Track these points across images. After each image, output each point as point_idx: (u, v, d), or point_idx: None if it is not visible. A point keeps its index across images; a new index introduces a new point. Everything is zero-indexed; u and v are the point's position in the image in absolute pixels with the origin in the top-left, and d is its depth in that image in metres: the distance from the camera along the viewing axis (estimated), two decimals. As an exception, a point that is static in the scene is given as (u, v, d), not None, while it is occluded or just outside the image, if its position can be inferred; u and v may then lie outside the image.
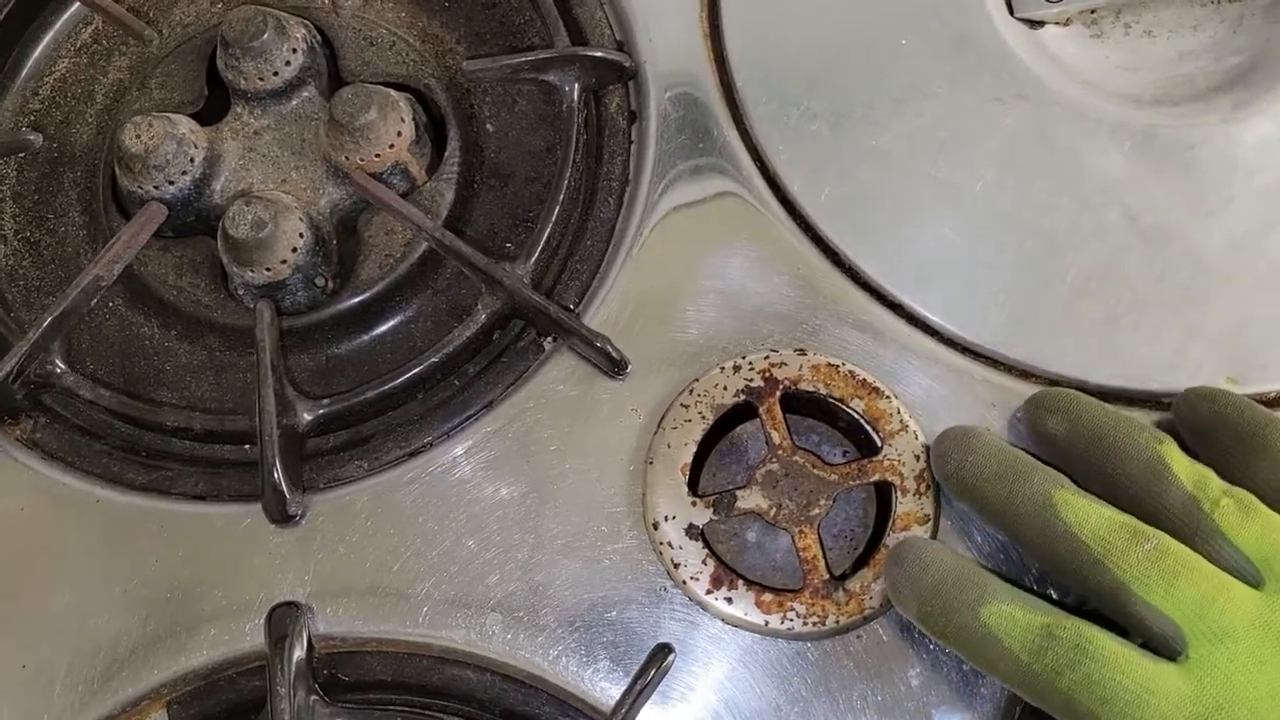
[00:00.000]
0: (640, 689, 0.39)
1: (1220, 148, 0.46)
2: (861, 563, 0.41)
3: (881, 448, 0.42)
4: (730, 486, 0.42)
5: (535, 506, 0.43)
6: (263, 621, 0.41)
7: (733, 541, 0.43)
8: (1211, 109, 0.47)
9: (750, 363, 0.42)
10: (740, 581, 0.40)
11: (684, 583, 0.40)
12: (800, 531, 0.41)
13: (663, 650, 0.40)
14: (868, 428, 0.42)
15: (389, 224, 0.48)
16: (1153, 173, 0.46)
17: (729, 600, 0.40)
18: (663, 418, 0.42)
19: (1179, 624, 0.32)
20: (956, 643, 0.35)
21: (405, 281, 0.48)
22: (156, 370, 0.48)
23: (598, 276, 0.46)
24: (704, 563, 0.41)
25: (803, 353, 0.43)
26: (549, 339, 0.45)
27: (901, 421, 0.42)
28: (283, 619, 0.41)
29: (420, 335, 0.48)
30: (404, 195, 0.48)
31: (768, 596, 0.40)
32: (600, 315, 0.45)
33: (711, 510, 0.41)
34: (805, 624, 0.40)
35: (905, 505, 0.41)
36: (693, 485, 0.42)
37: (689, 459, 0.42)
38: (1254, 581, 0.33)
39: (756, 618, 0.40)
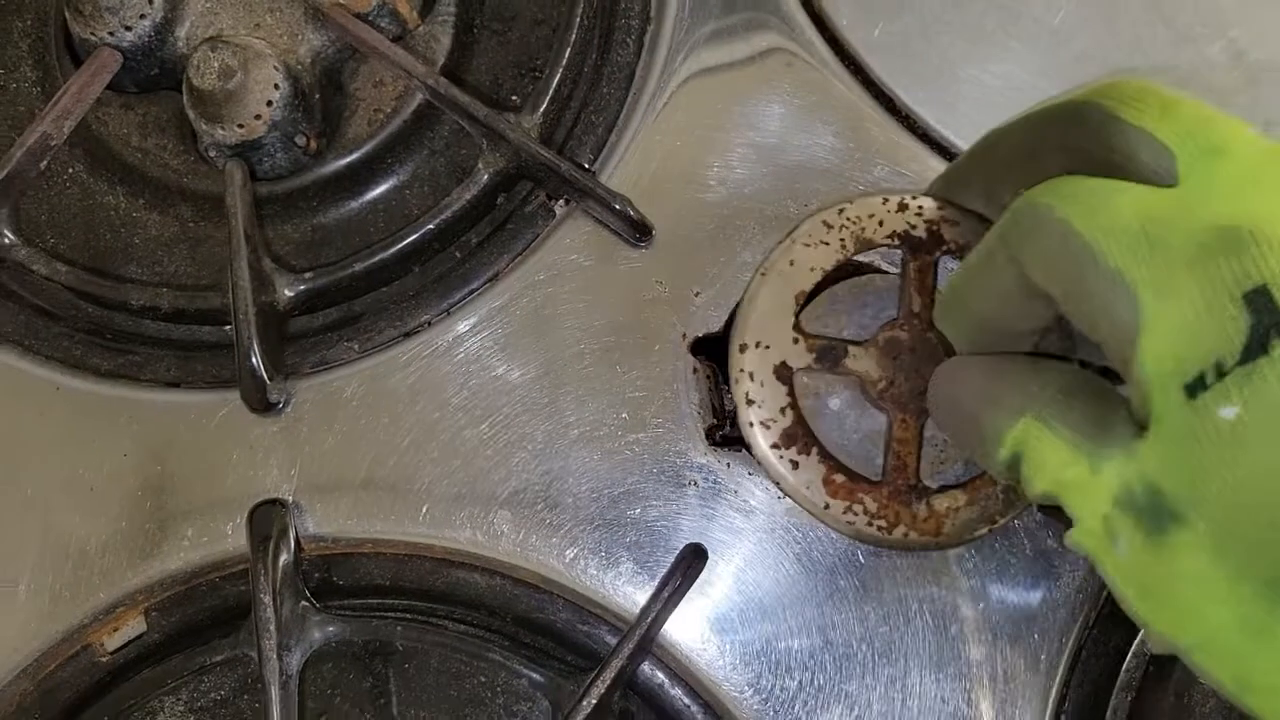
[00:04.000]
0: (668, 594, 0.35)
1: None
2: (957, 486, 0.35)
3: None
4: (845, 338, 0.36)
5: (548, 391, 0.38)
6: (243, 521, 0.37)
7: (810, 400, 0.36)
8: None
9: (920, 207, 0.35)
10: (816, 449, 0.34)
11: (750, 424, 0.34)
12: (903, 420, 0.35)
13: (693, 551, 0.35)
14: None
15: (378, 75, 0.43)
16: (1262, 2, 0.39)
17: (794, 465, 0.34)
18: (795, 230, 0.35)
19: (1172, 148, 0.26)
20: None
21: (398, 140, 0.42)
22: (124, 244, 0.43)
23: (615, 130, 0.40)
24: (782, 411, 0.34)
25: (984, 220, 0.36)
26: (560, 202, 0.40)
27: None
28: (265, 518, 0.36)
29: (415, 201, 0.42)
30: (394, 41, 0.42)
31: (840, 477, 0.34)
32: (619, 174, 0.39)
33: (814, 356, 0.35)
34: (870, 524, 0.34)
35: None
36: (799, 322, 0.35)
37: (809, 286, 0.35)
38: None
39: (818, 497, 0.34)
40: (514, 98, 0.42)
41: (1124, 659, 0.35)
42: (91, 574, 0.37)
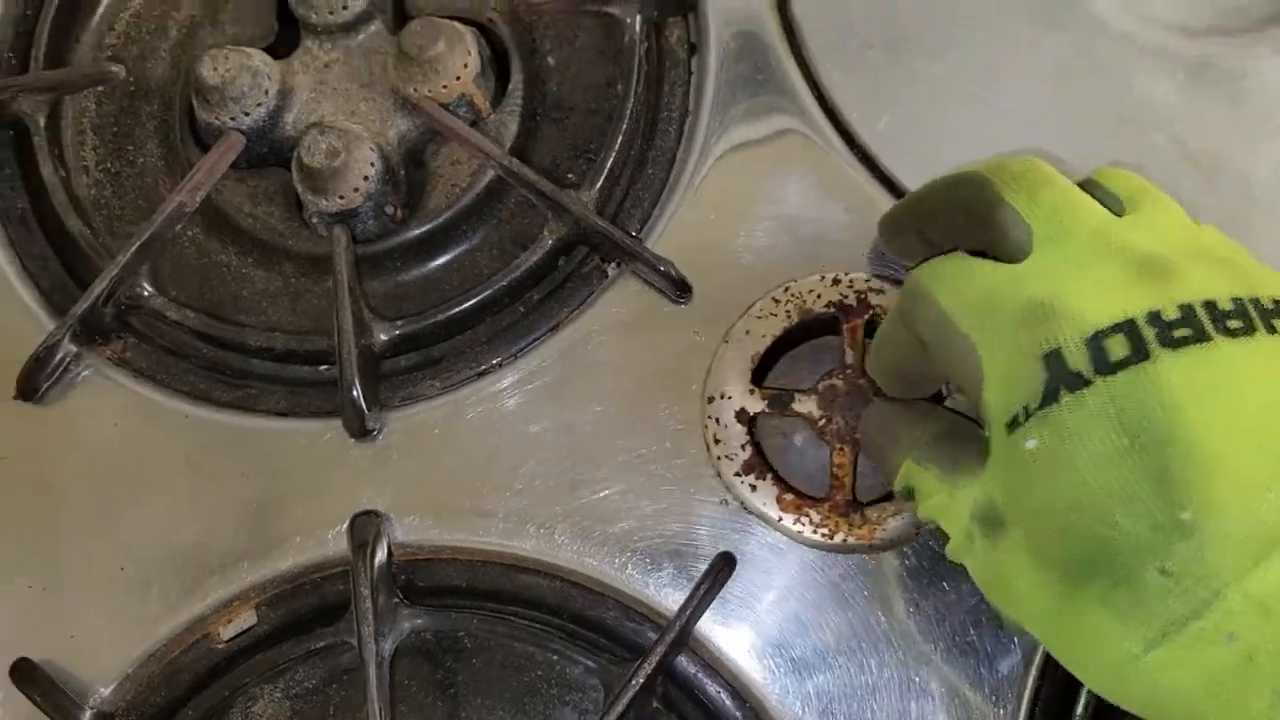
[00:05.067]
0: (701, 595, 0.41)
1: (1272, 78, 0.47)
2: (887, 499, 0.43)
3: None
4: (791, 388, 0.44)
5: (601, 424, 0.44)
6: (344, 529, 0.43)
7: (778, 439, 0.44)
8: (1264, 40, 0.47)
9: (850, 281, 0.44)
10: (770, 475, 0.43)
11: (718, 459, 0.43)
12: (840, 448, 0.43)
13: (723, 559, 0.42)
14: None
15: (455, 154, 0.50)
16: (1203, 101, 0.46)
17: (753, 488, 0.42)
18: (750, 306, 0.44)
19: (1032, 227, 0.33)
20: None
21: (471, 211, 0.49)
22: (234, 295, 0.50)
23: (658, 205, 0.47)
24: (742, 448, 0.43)
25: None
26: (612, 265, 0.47)
27: None
28: (364, 526, 0.43)
29: (484, 263, 0.49)
30: (470, 126, 0.50)
31: (790, 496, 0.42)
32: (662, 242, 0.46)
33: (766, 404, 0.43)
34: (815, 533, 0.42)
35: None
36: (757, 377, 0.44)
37: (762, 350, 0.44)
38: (1117, 212, 0.34)
39: (773, 511, 0.42)
40: (570, 175, 0.50)
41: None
42: (211, 574, 0.44)
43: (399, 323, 0.46)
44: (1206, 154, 0.45)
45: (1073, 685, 0.41)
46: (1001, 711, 0.41)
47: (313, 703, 0.43)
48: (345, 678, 0.43)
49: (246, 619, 0.44)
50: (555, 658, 0.43)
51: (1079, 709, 0.40)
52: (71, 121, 0.53)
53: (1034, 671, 0.41)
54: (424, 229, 0.49)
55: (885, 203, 0.46)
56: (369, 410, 0.44)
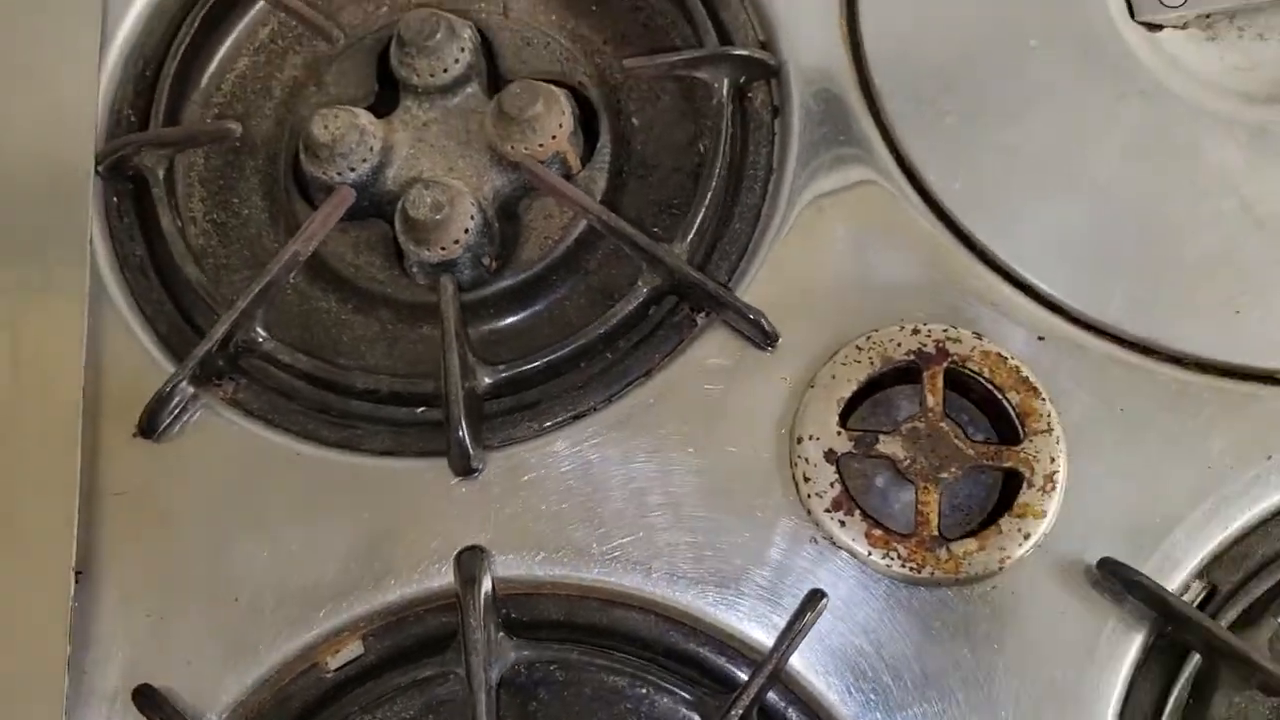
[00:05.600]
0: (795, 631, 0.43)
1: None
2: (970, 535, 0.44)
3: (1023, 440, 0.45)
4: (876, 429, 0.46)
5: (692, 465, 0.47)
6: (449, 564, 0.45)
7: (861, 480, 0.46)
8: (1320, 107, 0.50)
9: (929, 330, 0.46)
10: (858, 511, 0.44)
11: (808, 496, 0.45)
12: (925, 487, 0.44)
13: (816, 595, 0.44)
14: (1016, 420, 0.45)
15: (548, 209, 0.53)
16: (1267, 165, 0.49)
17: (842, 524, 0.44)
18: (835, 353, 0.46)
19: None
20: None
21: (562, 262, 0.52)
22: (334, 340, 0.53)
23: (745, 257, 0.50)
24: (831, 485, 0.45)
25: (979, 337, 0.46)
26: (702, 314, 0.49)
27: (1049, 423, 0.45)
28: (470, 560, 0.45)
29: (574, 312, 0.52)
30: (564, 182, 0.52)
31: (878, 532, 0.44)
32: (750, 292, 0.49)
33: (853, 444, 0.45)
34: (904, 566, 0.44)
35: (1028, 496, 0.44)
36: (843, 420, 0.46)
37: (847, 394, 0.46)
38: None
39: (862, 547, 0.44)
40: (656, 230, 0.52)
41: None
42: (319, 606, 0.46)
43: (500, 367, 0.48)
44: (1273, 216, 0.47)
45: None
46: (1084, 751, 0.42)
47: (419, 715, 0.45)
48: (442, 709, 0.45)
49: (354, 649, 0.46)
50: (645, 690, 0.44)
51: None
52: (181, 175, 0.56)
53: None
54: (518, 279, 0.52)
55: (962, 258, 0.48)
56: (474, 449, 0.46)
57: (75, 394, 0.48)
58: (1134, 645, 0.43)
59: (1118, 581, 0.43)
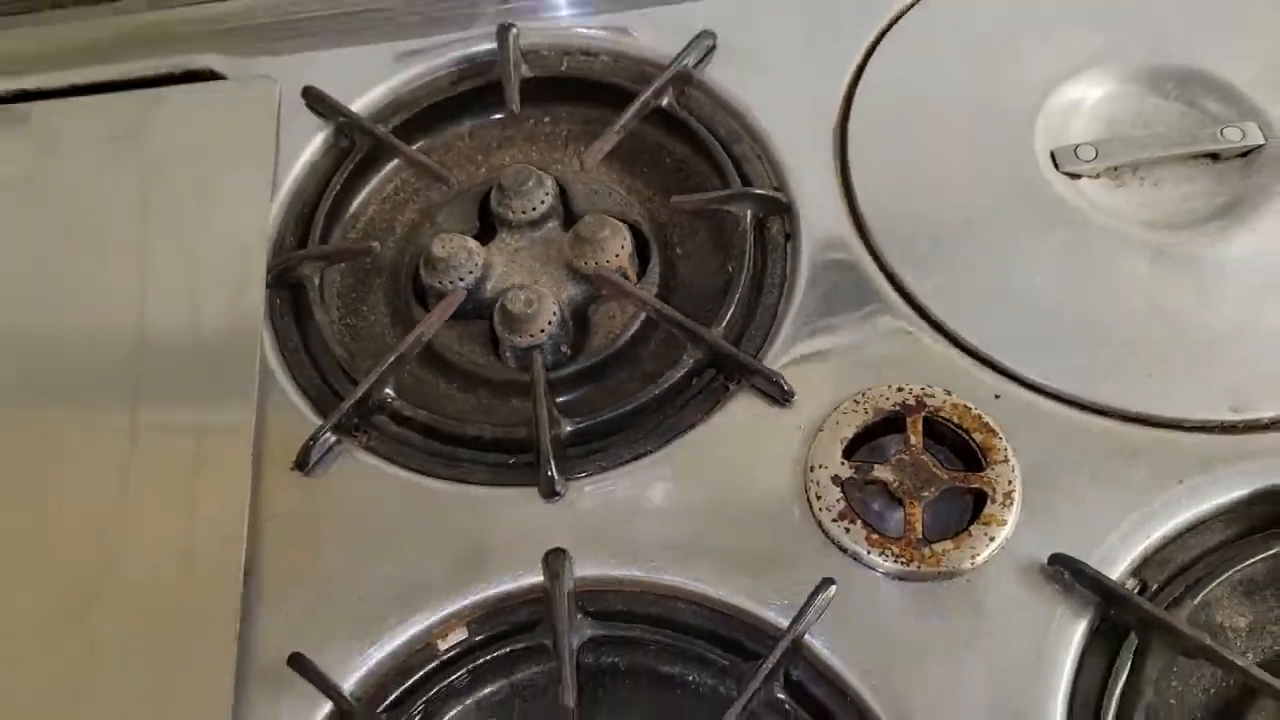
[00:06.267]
0: (810, 609, 0.54)
1: (1214, 258, 0.64)
2: (948, 539, 0.57)
3: (985, 469, 0.58)
4: (872, 461, 0.59)
5: (727, 493, 0.59)
6: (538, 566, 0.57)
7: (861, 502, 0.59)
8: (1205, 232, 0.66)
9: (910, 388, 0.60)
10: (859, 520, 0.57)
11: (819, 511, 0.57)
12: (911, 502, 0.57)
13: (826, 582, 0.56)
14: (979, 453, 0.59)
15: (611, 311, 0.68)
16: (1165, 273, 0.64)
17: (846, 530, 0.57)
18: (839, 404, 0.60)
19: None
20: None
21: (622, 351, 0.67)
22: (441, 411, 0.66)
23: (766, 340, 0.64)
24: (837, 502, 0.58)
25: (949, 393, 0.60)
26: (733, 383, 0.63)
27: (1006, 455, 0.58)
28: (555, 560, 0.57)
29: (632, 385, 0.66)
30: (624, 289, 0.68)
31: (875, 536, 0.57)
32: (770, 364, 0.63)
33: (854, 471, 0.58)
34: (895, 562, 0.56)
35: (992, 510, 0.57)
36: (846, 454, 0.59)
37: (849, 435, 0.59)
38: None
39: (863, 548, 0.56)
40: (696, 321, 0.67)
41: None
42: (434, 599, 0.57)
43: (576, 419, 0.62)
44: (1173, 309, 0.62)
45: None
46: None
47: (507, 698, 0.56)
48: (526, 690, 0.57)
49: (460, 634, 0.57)
50: (692, 665, 0.56)
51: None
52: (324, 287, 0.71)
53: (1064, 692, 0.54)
54: (588, 362, 0.66)
55: (936, 339, 0.63)
56: (558, 478, 0.59)
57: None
58: (1081, 626, 0.54)
59: (1067, 571, 0.55)
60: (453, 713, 0.57)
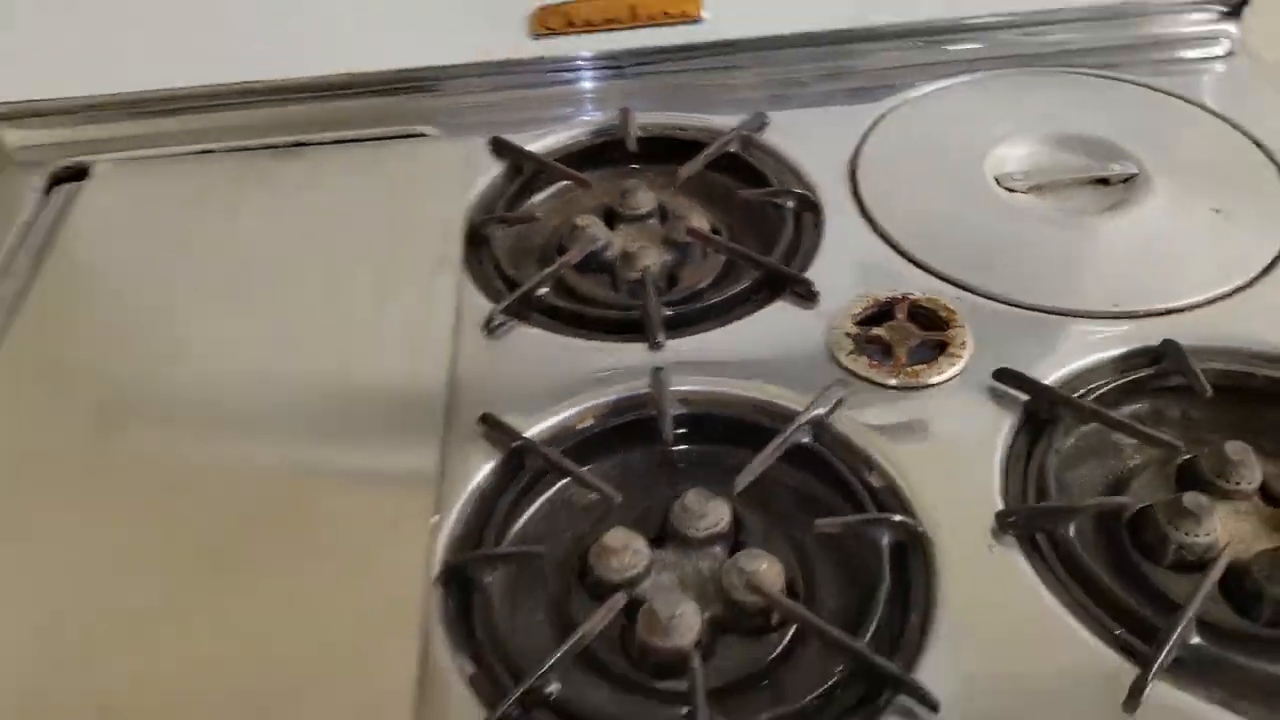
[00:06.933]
0: (826, 399, 0.82)
1: (1099, 227, 0.96)
2: (923, 364, 0.83)
3: (947, 329, 0.86)
4: (872, 327, 0.88)
5: (770, 363, 0.85)
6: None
7: (864, 348, 0.85)
8: (1096, 217, 0.97)
9: (900, 291, 0.90)
10: (863, 356, 0.84)
11: (836, 353, 0.86)
12: (897, 346, 0.84)
13: (841, 382, 0.83)
14: (943, 322, 0.86)
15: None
16: (1068, 234, 0.95)
17: (854, 360, 0.84)
18: (854, 298, 0.90)
19: None
20: None
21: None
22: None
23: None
24: (849, 347, 0.86)
25: (922, 295, 0.90)
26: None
27: (961, 323, 0.85)
28: (656, 375, 0.85)
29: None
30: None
31: (874, 362, 0.83)
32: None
33: (859, 329, 0.87)
34: (888, 377, 0.82)
35: (953, 349, 0.83)
36: (856, 323, 0.89)
37: (858, 311, 0.90)
38: None
39: (865, 371, 0.83)
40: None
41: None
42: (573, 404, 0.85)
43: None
44: (1074, 253, 0.93)
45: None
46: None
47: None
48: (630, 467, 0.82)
49: (591, 423, 0.83)
50: (750, 436, 0.79)
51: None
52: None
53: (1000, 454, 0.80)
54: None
55: (917, 269, 0.93)
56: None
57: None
58: (1013, 415, 0.79)
59: (1005, 379, 0.81)
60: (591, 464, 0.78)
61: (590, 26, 1.11)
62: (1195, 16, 1.15)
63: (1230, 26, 1.15)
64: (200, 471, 0.79)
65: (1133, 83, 1.11)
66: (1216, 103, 1.09)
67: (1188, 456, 0.77)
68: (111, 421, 0.83)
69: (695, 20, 1.12)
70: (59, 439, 0.82)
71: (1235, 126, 1.06)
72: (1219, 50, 1.16)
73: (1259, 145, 1.03)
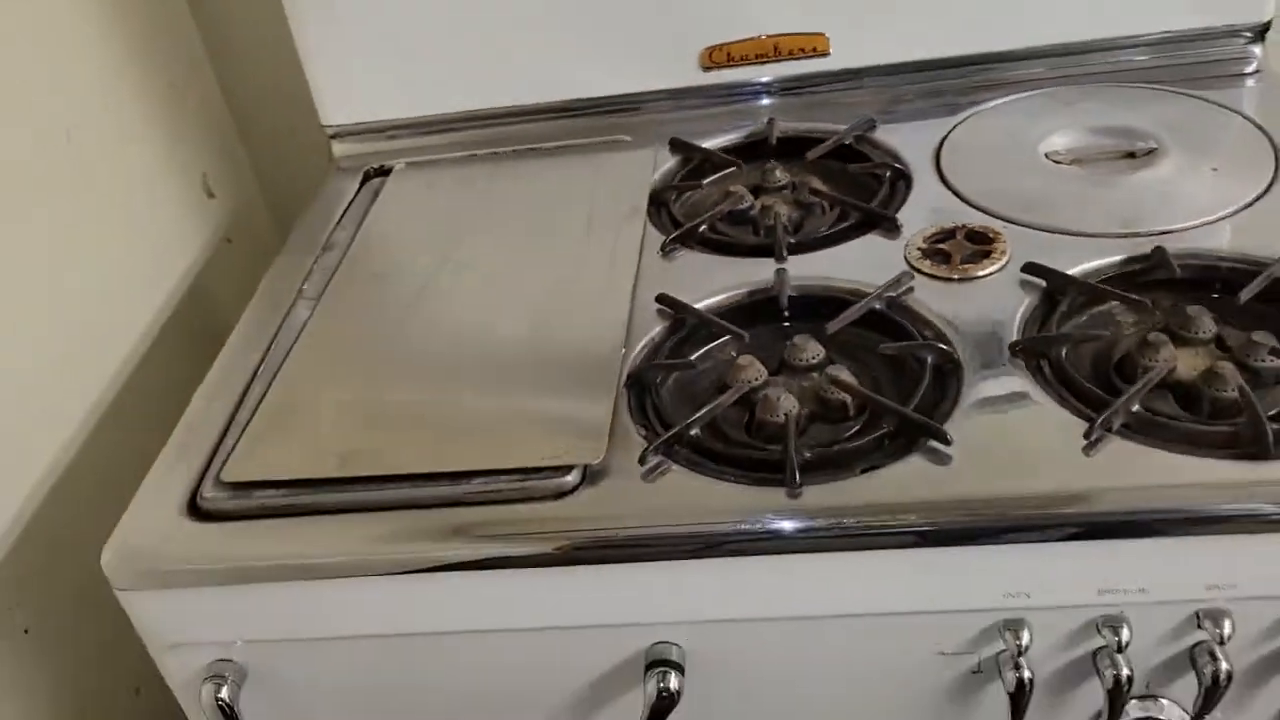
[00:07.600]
0: (896, 283, 1.17)
1: (1127, 182, 1.28)
2: (971, 262, 1.18)
3: (992, 242, 1.20)
4: (937, 244, 1.23)
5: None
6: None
7: (931, 258, 1.21)
8: (1125, 175, 1.29)
9: (959, 221, 1.26)
10: (928, 260, 1.20)
11: (909, 258, 1.21)
12: (955, 254, 1.20)
13: (906, 275, 1.18)
14: (991, 240, 1.21)
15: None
16: (1100, 189, 1.27)
17: (922, 261, 1.19)
18: (924, 228, 1.26)
19: None
20: None
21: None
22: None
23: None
24: (920, 255, 1.21)
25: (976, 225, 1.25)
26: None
27: (1003, 239, 1.20)
28: (778, 274, 1.22)
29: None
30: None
31: (932, 262, 1.19)
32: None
33: (927, 244, 1.22)
34: (945, 272, 1.18)
35: (994, 255, 1.18)
36: (926, 241, 1.23)
37: (929, 231, 1.24)
38: None
39: (928, 269, 1.18)
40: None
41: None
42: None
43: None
44: (1106, 194, 1.26)
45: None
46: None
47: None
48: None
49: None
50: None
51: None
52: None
53: (1019, 316, 1.12)
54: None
55: (975, 212, 1.28)
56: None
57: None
58: (1035, 294, 1.13)
59: (1031, 270, 1.15)
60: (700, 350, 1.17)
61: (745, 61, 1.52)
62: (1225, 41, 1.46)
63: (1255, 49, 1.45)
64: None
65: (1169, 91, 1.43)
66: (1238, 106, 1.39)
67: (1162, 324, 1.08)
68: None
69: (825, 55, 1.51)
70: (365, 325, 1.24)
71: (1247, 119, 1.35)
72: (1248, 69, 1.46)
73: (1261, 130, 1.33)
